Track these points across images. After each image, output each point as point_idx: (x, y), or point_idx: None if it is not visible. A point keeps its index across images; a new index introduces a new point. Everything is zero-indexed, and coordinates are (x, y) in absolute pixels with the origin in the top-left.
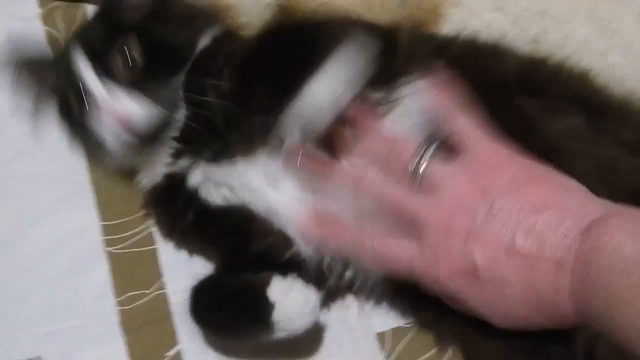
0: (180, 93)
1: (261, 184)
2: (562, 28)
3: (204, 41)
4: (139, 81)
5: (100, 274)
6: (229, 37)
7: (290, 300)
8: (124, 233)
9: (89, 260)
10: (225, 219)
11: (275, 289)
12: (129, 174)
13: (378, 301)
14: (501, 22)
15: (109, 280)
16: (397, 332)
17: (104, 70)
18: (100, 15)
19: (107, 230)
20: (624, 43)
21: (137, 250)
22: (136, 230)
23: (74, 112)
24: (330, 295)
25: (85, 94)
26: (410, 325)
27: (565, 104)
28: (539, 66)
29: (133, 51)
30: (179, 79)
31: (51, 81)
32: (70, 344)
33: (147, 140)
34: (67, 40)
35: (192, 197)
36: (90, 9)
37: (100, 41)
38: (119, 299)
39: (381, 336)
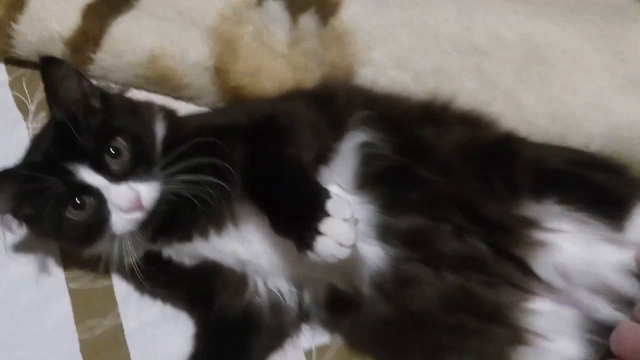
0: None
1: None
2: (454, 82)
3: (160, 130)
4: (130, 171)
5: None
6: (178, 123)
7: None
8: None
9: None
10: (196, 275)
11: None
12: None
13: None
14: (403, 78)
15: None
16: (321, 349)
17: (100, 170)
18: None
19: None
20: (505, 94)
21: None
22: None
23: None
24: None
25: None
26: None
27: (453, 125)
28: (434, 102)
29: (122, 149)
30: (158, 162)
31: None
32: None
33: (154, 215)
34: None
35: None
36: None
37: (91, 145)
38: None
39: (308, 354)
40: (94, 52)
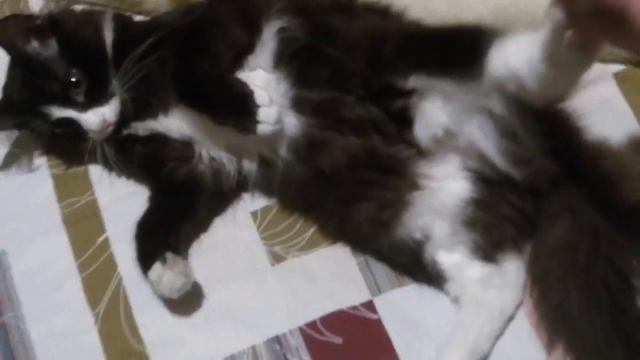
0: (118, 83)
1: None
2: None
3: (108, 35)
4: (91, 95)
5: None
6: (125, 25)
7: None
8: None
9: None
10: (149, 143)
11: None
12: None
13: (256, 189)
14: None
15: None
16: (264, 210)
17: (68, 104)
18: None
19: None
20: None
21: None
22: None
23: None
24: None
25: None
26: (274, 204)
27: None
28: None
29: (80, 79)
30: (113, 76)
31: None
32: (26, 240)
33: (119, 123)
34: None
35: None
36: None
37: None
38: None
39: (254, 214)
40: None
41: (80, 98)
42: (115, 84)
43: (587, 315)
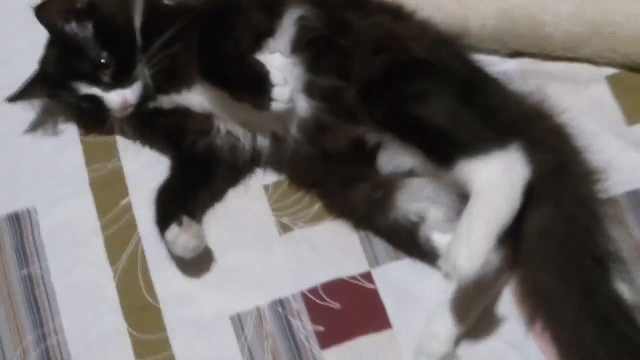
0: (144, 64)
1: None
2: None
3: (137, 19)
4: (116, 76)
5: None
6: (154, 7)
7: None
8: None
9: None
10: (172, 116)
11: None
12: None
13: (268, 164)
14: None
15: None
16: (276, 184)
17: (95, 82)
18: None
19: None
20: None
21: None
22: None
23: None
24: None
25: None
26: (285, 179)
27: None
28: None
29: (109, 63)
30: (140, 57)
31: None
32: (55, 199)
33: (140, 105)
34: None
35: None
36: None
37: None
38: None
39: (266, 187)
40: None
41: (107, 78)
42: (141, 66)
43: (563, 294)
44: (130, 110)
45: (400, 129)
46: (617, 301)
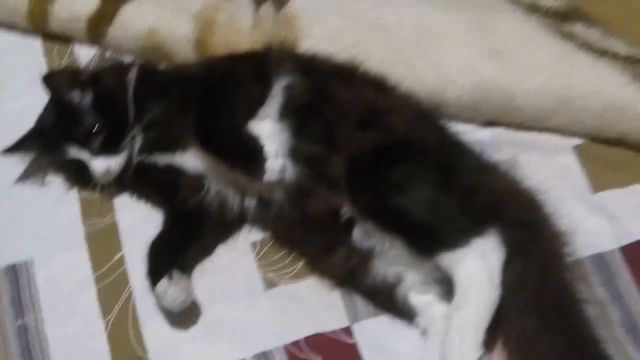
0: (137, 130)
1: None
2: (368, 52)
3: (131, 88)
4: (106, 144)
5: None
6: (149, 73)
7: None
8: None
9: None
10: (166, 173)
11: None
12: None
13: (254, 223)
14: (333, 48)
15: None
16: (263, 241)
17: (85, 147)
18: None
19: None
20: (404, 60)
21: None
22: None
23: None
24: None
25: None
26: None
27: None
28: (346, 65)
29: (100, 131)
30: (131, 127)
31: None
32: (53, 250)
33: (122, 174)
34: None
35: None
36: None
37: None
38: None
39: (254, 244)
40: (107, 27)
41: (96, 145)
42: (130, 137)
43: (544, 338)
44: (112, 177)
45: (382, 220)
46: (597, 342)
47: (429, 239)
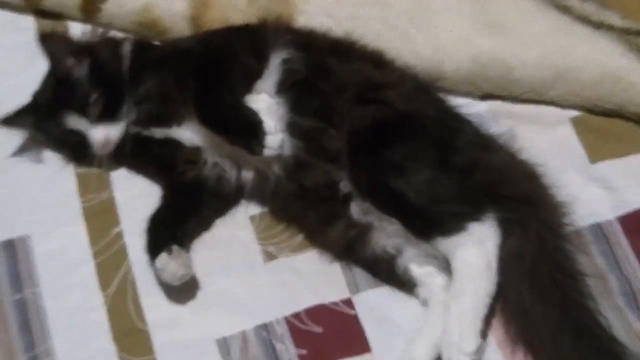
0: (133, 103)
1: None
2: (365, 26)
3: (126, 62)
4: (104, 114)
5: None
6: (144, 48)
7: None
8: None
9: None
10: (163, 146)
11: None
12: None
13: (251, 197)
14: (329, 23)
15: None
16: (262, 214)
17: (83, 115)
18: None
19: None
20: (401, 33)
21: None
22: None
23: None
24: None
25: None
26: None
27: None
28: (343, 40)
29: (98, 100)
30: (129, 98)
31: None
32: (50, 225)
33: (119, 148)
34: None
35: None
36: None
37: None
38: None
39: (253, 217)
40: (102, 3)
41: (95, 114)
42: (127, 107)
43: (540, 309)
44: (111, 147)
45: (380, 201)
46: (592, 312)
47: (426, 224)
